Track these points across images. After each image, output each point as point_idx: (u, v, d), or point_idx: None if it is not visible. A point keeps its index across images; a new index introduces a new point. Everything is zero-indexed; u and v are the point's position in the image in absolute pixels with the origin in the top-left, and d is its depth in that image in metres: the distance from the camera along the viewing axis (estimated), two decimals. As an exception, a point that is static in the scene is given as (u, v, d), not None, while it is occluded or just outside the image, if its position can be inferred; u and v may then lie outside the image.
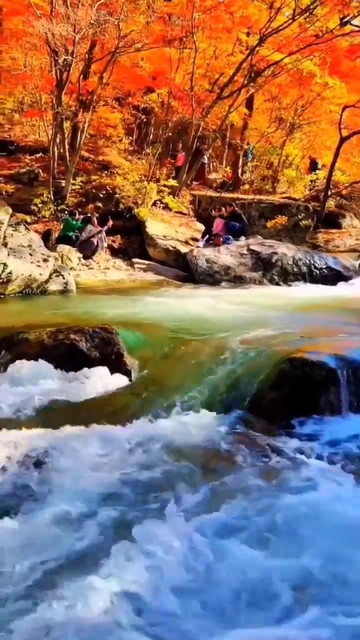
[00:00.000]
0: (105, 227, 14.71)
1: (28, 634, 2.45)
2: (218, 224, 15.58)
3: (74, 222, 14.53)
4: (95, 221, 14.78)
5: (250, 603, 2.68)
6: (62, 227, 14.72)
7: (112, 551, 2.94)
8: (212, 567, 2.88)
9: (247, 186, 20.41)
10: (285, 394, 4.55)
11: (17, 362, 5.54)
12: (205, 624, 2.57)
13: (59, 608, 2.57)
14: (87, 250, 14.30)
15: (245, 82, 17.56)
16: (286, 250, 14.53)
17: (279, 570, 2.83)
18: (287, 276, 14.04)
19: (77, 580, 2.75)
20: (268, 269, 14.05)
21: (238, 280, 13.71)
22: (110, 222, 14.87)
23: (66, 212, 15.10)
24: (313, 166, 20.93)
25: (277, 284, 13.80)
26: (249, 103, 19.95)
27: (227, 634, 2.50)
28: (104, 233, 14.73)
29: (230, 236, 15.34)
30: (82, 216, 14.79)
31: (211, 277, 13.77)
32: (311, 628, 2.51)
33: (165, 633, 2.51)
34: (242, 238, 15.47)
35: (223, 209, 16.42)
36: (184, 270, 14.41)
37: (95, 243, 14.48)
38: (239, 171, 20.59)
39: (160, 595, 2.70)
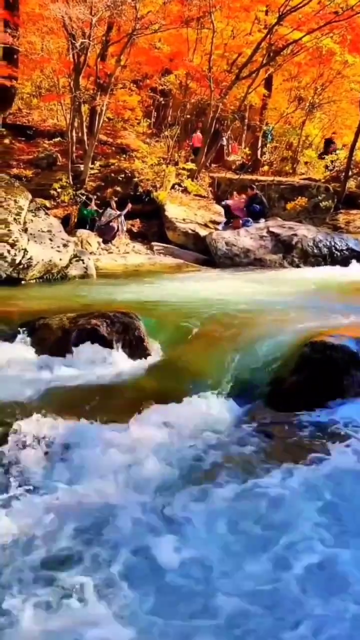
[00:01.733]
0: (124, 211, 14.71)
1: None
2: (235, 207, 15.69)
3: (86, 211, 14.55)
4: (114, 205, 14.78)
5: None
6: (77, 213, 14.76)
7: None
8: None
9: (266, 167, 20.25)
10: (306, 377, 4.54)
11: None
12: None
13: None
14: (107, 234, 14.32)
15: (264, 61, 17.34)
16: (306, 232, 14.42)
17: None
18: (307, 258, 13.94)
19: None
20: (288, 251, 13.96)
21: (258, 263, 13.65)
22: (129, 206, 14.86)
23: (79, 200, 15.08)
24: (328, 146, 20.65)
25: (298, 266, 13.72)
26: (268, 83, 19.73)
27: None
28: (123, 217, 14.73)
29: (249, 219, 15.29)
30: (95, 207, 14.75)
31: (231, 260, 13.73)
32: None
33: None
34: (262, 220, 15.39)
35: (235, 194, 16.42)
36: (203, 253, 14.37)
37: (115, 227, 14.49)
38: (258, 152, 20.42)
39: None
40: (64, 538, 3.02)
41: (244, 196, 16.10)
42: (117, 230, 14.55)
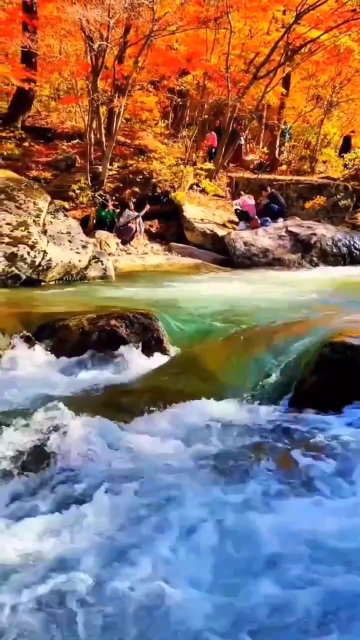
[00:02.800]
0: (142, 212, 14.75)
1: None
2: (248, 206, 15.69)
3: (105, 212, 14.61)
4: (132, 206, 14.83)
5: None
6: (95, 214, 14.84)
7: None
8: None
9: (284, 167, 20.20)
10: (326, 378, 4.51)
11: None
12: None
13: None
14: (125, 235, 14.38)
15: (282, 60, 17.31)
16: (325, 231, 14.37)
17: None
18: (326, 257, 13.89)
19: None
20: (307, 251, 13.92)
21: (276, 263, 13.63)
22: (147, 207, 14.90)
23: (98, 202, 15.15)
24: (346, 144, 20.53)
25: (317, 265, 13.68)
26: (286, 82, 19.69)
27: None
28: (140, 218, 14.77)
29: (268, 218, 15.26)
30: (113, 208, 14.80)
31: (249, 260, 13.72)
32: None
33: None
34: (280, 220, 15.35)
35: (242, 194, 16.39)
36: (221, 253, 14.37)
37: (134, 228, 14.55)
38: (276, 152, 20.36)
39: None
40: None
41: (250, 196, 16.07)
42: (135, 231, 14.61)
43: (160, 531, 2.88)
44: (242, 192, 16.54)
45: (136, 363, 5.47)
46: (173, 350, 5.79)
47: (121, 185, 16.19)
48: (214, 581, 2.56)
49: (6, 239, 9.57)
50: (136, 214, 14.68)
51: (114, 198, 15.40)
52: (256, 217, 15.27)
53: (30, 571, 2.60)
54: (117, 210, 14.85)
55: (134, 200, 15.26)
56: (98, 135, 16.43)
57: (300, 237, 14.20)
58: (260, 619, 2.35)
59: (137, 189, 15.97)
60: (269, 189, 16.37)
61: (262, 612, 2.38)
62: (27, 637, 2.25)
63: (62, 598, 2.43)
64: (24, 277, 9.48)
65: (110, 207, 14.85)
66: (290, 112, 21.18)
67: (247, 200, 15.84)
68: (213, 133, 19.33)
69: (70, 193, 15.36)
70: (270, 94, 18.41)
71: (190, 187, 16.95)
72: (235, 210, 15.94)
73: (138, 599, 2.42)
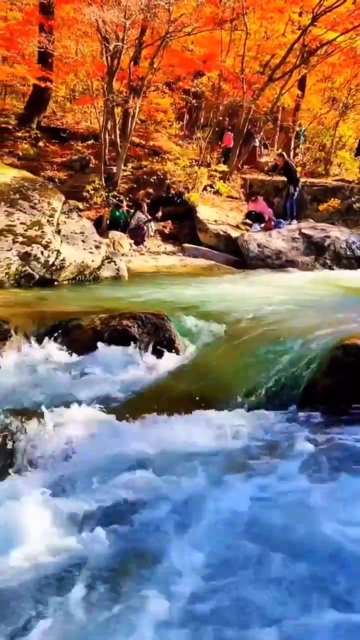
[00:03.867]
0: (154, 217, 14.74)
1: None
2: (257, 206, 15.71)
3: (119, 213, 14.65)
4: (146, 208, 14.85)
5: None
6: (109, 215, 14.89)
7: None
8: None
9: (299, 169, 20.12)
10: (338, 381, 4.50)
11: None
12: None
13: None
14: (138, 236, 14.41)
15: (298, 62, 17.27)
16: (339, 234, 14.31)
17: None
18: (340, 260, 13.83)
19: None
20: (320, 253, 13.87)
21: (290, 265, 13.58)
22: (160, 213, 14.93)
23: (112, 202, 15.19)
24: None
25: (330, 268, 13.62)
26: (301, 84, 19.64)
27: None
28: (152, 222, 14.74)
29: (282, 220, 15.25)
30: (127, 208, 14.82)
31: (262, 262, 13.68)
32: None
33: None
34: (295, 222, 15.32)
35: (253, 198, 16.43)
36: (235, 255, 14.35)
37: (145, 229, 14.56)
38: (291, 154, 20.31)
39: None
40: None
41: (261, 198, 16.10)
42: (146, 231, 14.61)
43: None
44: (257, 196, 16.49)
45: (147, 363, 5.47)
46: (185, 351, 5.79)
47: (135, 186, 16.22)
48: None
49: (20, 239, 9.60)
50: (147, 217, 14.67)
51: (127, 199, 15.43)
52: (272, 217, 15.27)
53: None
54: (131, 211, 14.88)
55: (147, 201, 15.29)
56: (113, 136, 16.47)
57: (314, 240, 14.14)
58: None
59: (151, 190, 15.99)
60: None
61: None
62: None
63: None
64: (37, 276, 9.50)
65: (125, 208, 14.87)
66: (305, 114, 21.13)
67: (261, 201, 15.84)
68: (230, 133, 19.32)
69: (85, 193, 15.40)
70: (285, 95, 18.37)
71: (204, 189, 16.95)
72: (249, 213, 15.89)
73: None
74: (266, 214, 15.48)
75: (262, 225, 15.20)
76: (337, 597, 2.56)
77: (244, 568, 2.74)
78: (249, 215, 15.86)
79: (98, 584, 2.64)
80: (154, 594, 2.56)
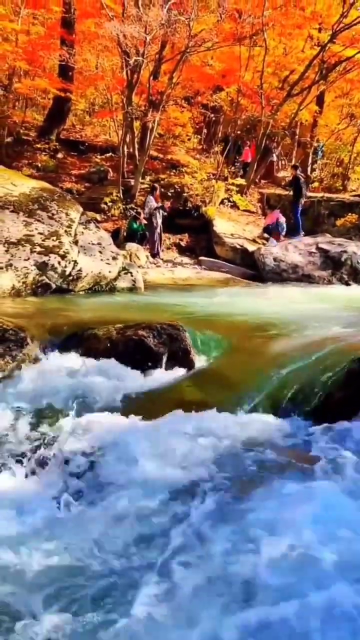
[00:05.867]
0: (163, 206, 14.75)
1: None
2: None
3: (137, 226, 14.74)
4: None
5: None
6: (126, 227, 14.98)
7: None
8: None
9: (316, 184, 20.17)
10: (354, 394, 4.48)
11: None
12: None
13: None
14: (150, 238, 14.53)
15: (316, 78, 17.35)
16: (356, 249, 14.28)
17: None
18: (357, 275, 13.80)
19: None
20: (337, 268, 13.84)
21: (306, 279, 13.56)
22: (168, 204, 15.00)
23: (129, 215, 15.28)
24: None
25: (347, 283, 13.59)
26: (320, 100, 19.72)
27: None
28: (160, 228, 14.67)
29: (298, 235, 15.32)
30: (145, 221, 14.89)
31: (278, 276, 13.68)
32: None
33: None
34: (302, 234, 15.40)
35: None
36: (251, 268, 14.37)
37: (155, 238, 14.58)
38: (309, 169, 20.35)
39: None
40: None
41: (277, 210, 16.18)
42: (157, 240, 14.61)
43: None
44: (270, 209, 16.52)
45: (162, 372, 5.48)
46: (200, 362, 5.79)
47: (153, 198, 16.31)
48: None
49: (38, 248, 9.68)
50: (157, 204, 14.60)
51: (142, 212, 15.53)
52: (279, 230, 15.30)
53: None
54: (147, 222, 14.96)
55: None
56: (131, 149, 16.61)
57: (331, 254, 14.12)
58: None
59: (168, 203, 16.08)
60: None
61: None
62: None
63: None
64: (54, 286, 9.57)
65: (142, 221, 14.95)
66: (323, 130, 21.17)
67: (276, 212, 15.84)
68: (247, 148, 19.42)
69: (102, 205, 15.51)
70: (303, 111, 18.44)
71: (222, 202, 17.01)
72: (266, 227, 15.91)
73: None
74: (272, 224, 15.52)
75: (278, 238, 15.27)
76: None
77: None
78: (266, 229, 15.88)
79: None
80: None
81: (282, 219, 15.52)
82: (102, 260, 10.43)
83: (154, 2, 14.58)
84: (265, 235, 15.79)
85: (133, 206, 15.63)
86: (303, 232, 15.72)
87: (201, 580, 2.71)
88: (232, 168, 18.80)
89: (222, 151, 18.37)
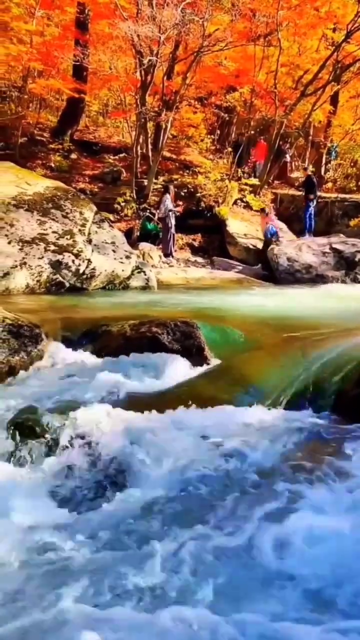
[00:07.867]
0: (177, 206, 14.79)
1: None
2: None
3: (150, 226, 14.77)
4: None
5: None
6: (140, 227, 15.02)
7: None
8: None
9: (330, 184, 20.10)
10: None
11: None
12: None
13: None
14: (163, 238, 14.56)
15: (330, 78, 17.28)
16: (370, 249, 14.20)
17: None
18: (370, 275, 13.72)
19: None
20: (351, 268, 13.77)
21: (320, 279, 13.50)
22: (179, 209, 15.00)
23: (142, 215, 15.31)
24: None
25: (361, 283, 13.53)
26: (334, 100, 19.65)
27: None
28: (174, 229, 14.66)
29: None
30: (157, 222, 14.90)
31: (292, 276, 13.63)
32: None
33: None
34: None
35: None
36: (264, 268, 14.34)
37: (168, 237, 14.59)
38: (322, 169, 20.29)
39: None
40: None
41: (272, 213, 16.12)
42: (170, 239, 14.62)
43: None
44: (266, 211, 15.99)
45: (176, 369, 5.47)
46: (214, 359, 5.77)
47: (166, 198, 16.33)
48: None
49: (52, 247, 9.72)
50: (171, 206, 14.56)
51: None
52: (269, 235, 15.04)
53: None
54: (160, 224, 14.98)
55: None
56: (144, 150, 16.63)
57: (345, 255, 14.05)
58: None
59: (181, 203, 16.09)
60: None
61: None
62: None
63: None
64: (67, 284, 9.61)
65: (156, 221, 14.97)
66: (337, 130, 21.12)
67: (270, 216, 15.62)
68: (257, 146, 19.36)
69: (116, 205, 15.55)
70: (317, 111, 18.38)
71: (235, 203, 16.99)
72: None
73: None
74: (276, 227, 15.41)
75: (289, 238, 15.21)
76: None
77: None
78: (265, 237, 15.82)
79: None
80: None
81: (277, 224, 15.37)
82: (115, 259, 10.46)
83: (168, 2, 14.57)
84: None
85: (146, 206, 15.65)
86: (309, 234, 15.63)
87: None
88: (245, 167, 18.76)
89: (234, 151, 18.34)
